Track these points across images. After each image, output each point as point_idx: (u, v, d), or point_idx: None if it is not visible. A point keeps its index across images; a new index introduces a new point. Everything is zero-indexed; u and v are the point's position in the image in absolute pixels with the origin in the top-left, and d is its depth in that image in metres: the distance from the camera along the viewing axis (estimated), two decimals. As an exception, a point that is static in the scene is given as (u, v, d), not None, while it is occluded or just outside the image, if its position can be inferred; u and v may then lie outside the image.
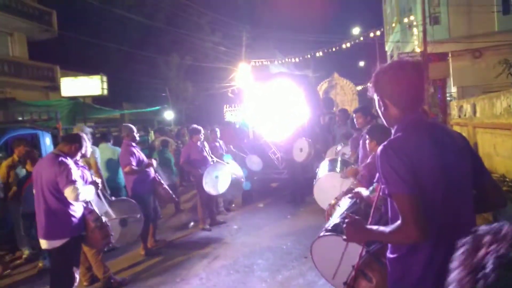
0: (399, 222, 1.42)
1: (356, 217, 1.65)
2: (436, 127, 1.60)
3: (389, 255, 1.65)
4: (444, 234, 1.45)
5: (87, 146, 3.98)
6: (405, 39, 20.64)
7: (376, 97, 1.65)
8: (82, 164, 4.05)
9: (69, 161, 3.30)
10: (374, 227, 1.60)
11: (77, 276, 3.33)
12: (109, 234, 3.37)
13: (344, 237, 1.67)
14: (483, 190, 1.61)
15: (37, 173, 3.28)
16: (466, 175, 1.55)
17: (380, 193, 1.55)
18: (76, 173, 3.26)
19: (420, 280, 1.52)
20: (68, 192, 3.11)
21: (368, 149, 3.62)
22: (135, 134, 5.14)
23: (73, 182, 3.16)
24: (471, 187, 1.57)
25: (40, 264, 4.80)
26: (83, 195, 3.24)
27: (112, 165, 5.81)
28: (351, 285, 1.86)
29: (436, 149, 1.48)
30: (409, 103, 1.56)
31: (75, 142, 3.46)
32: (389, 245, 1.65)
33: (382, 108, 1.61)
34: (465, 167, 1.55)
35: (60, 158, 3.25)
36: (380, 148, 1.51)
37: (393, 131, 1.61)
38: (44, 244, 3.25)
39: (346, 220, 1.65)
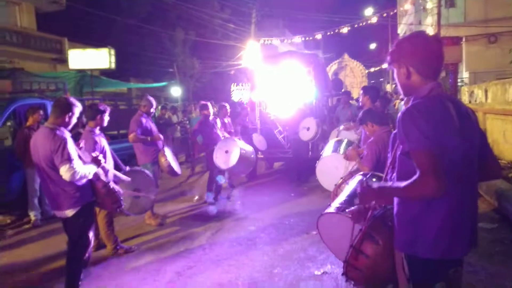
0: (416, 175, 1.48)
1: (365, 184, 1.74)
2: (452, 96, 1.73)
3: (399, 217, 1.67)
4: (459, 193, 1.56)
5: (102, 114, 4.00)
6: (419, 21, 20.14)
7: (396, 66, 1.71)
8: (98, 133, 4.09)
9: (66, 135, 3.08)
10: (387, 184, 1.69)
11: (92, 239, 3.35)
12: (118, 199, 3.37)
13: (351, 211, 1.77)
14: (485, 162, 1.72)
15: (34, 147, 3.10)
16: (477, 144, 1.66)
17: (398, 152, 1.61)
18: (73, 148, 3.07)
19: (435, 241, 1.56)
20: (63, 171, 2.93)
21: (367, 132, 3.76)
22: (152, 109, 5.36)
23: (69, 161, 2.94)
24: (477, 155, 1.67)
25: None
26: (81, 173, 3.01)
27: None
28: (351, 263, 1.87)
29: (456, 114, 1.57)
30: (431, 71, 1.65)
31: (66, 111, 3.14)
32: (399, 208, 1.68)
33: (405, 76, 1.68)
34: (477, 136, 1.67)
35: (56, 132, 3.02)
36: (403, 109, 1.58)
37: (411, 99, 1.68)
38: (57, 213, 3.23)
39: (358, 190, 1.76)
